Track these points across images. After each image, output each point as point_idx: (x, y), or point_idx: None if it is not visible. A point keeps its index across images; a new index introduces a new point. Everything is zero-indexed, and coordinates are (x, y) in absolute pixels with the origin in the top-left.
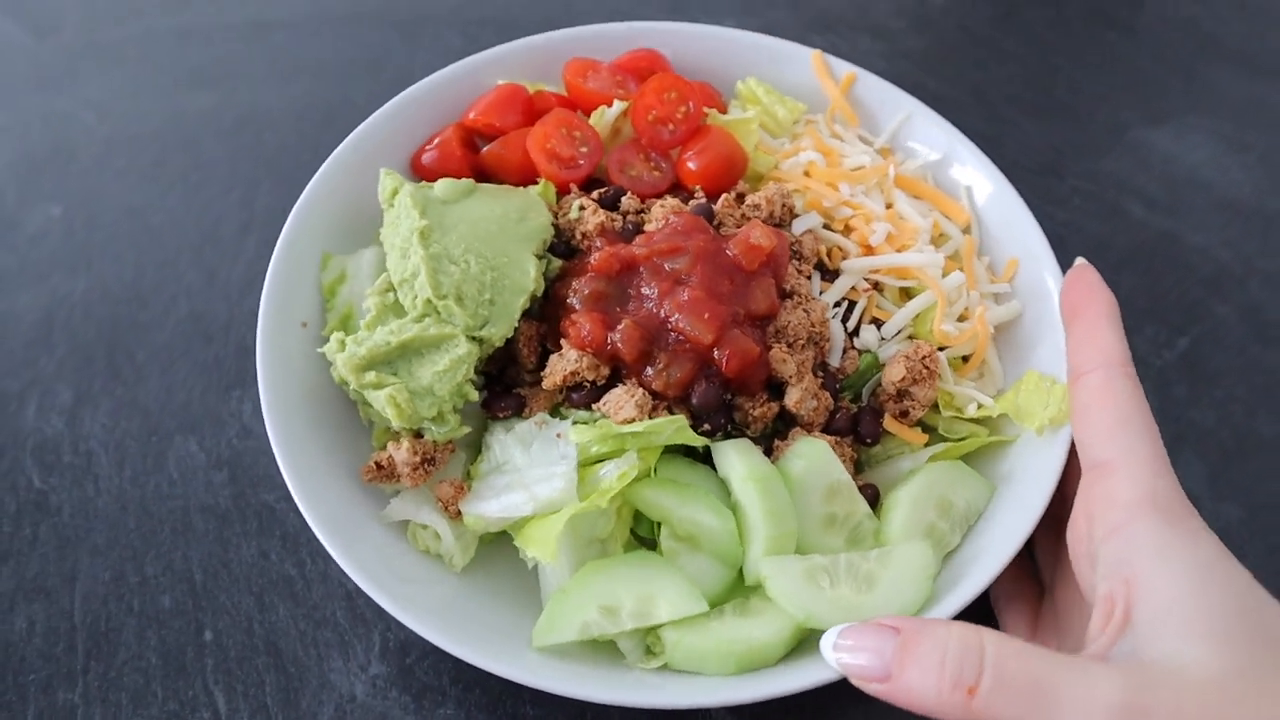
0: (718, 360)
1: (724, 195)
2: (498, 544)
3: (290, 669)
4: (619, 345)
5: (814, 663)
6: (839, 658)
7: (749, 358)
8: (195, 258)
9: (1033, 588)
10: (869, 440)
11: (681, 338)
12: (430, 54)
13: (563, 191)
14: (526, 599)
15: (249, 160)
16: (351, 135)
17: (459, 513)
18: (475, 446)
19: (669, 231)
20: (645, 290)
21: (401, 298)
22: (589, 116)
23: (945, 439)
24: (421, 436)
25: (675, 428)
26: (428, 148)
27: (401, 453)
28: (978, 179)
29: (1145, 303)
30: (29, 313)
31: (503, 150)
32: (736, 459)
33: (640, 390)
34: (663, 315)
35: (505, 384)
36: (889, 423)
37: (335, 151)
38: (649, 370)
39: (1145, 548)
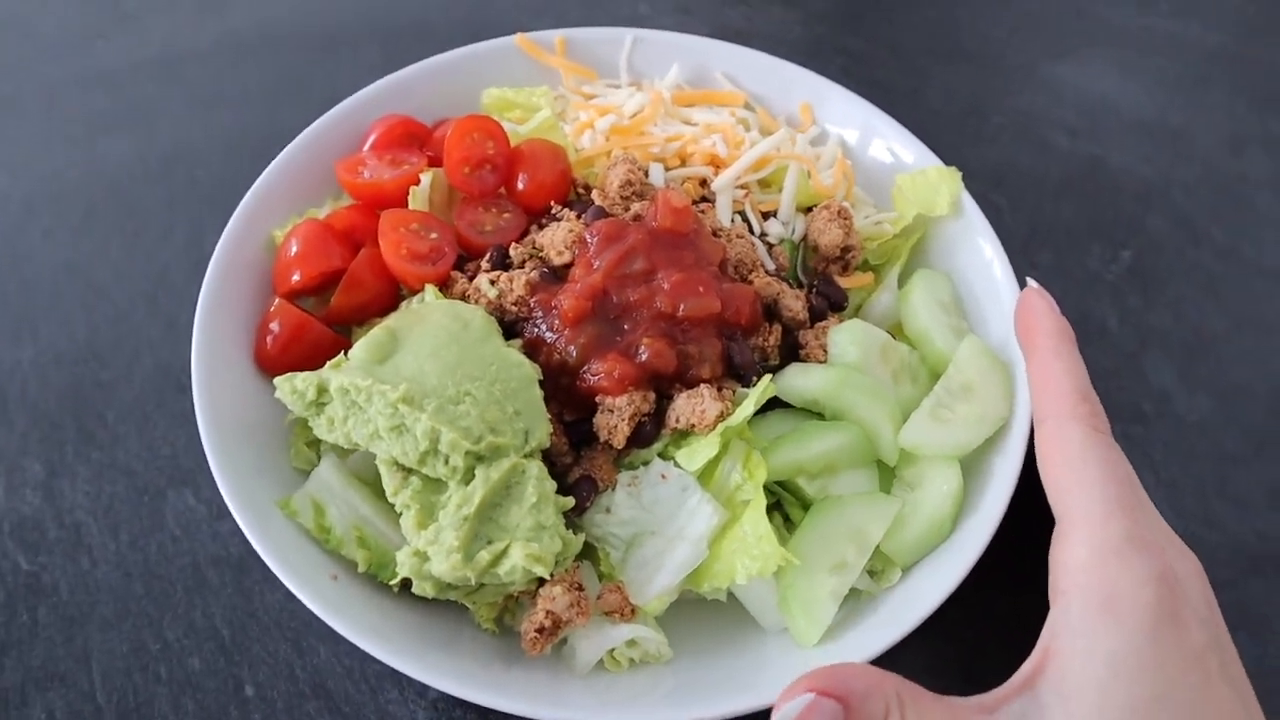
0: (731, 319)
1: (594, 191)
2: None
3: (344, 709)
4: (654, 364)
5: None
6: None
7: (751, 299)
8: (150, 308)
9: None
10: (844, 304)
11: (693, 321)
12: (352, 69)
13: (442, 286)
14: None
15: (186, 200)
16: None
17: (634, 610)
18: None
19: (600, 245)
20: (628, 305)
21: (431, 472)
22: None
23: (878, 265)
24: (551, 575)
25: (765, 389)
26: (268, 337)
27: (560, 600)
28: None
29: (1087, 224)
30: None
31: (350, 292)
32: (812, 380)
33: (704, 386)
34: (664, 312)
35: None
36: (845, 280)
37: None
38: (690, 369)
39: (1070, 627)
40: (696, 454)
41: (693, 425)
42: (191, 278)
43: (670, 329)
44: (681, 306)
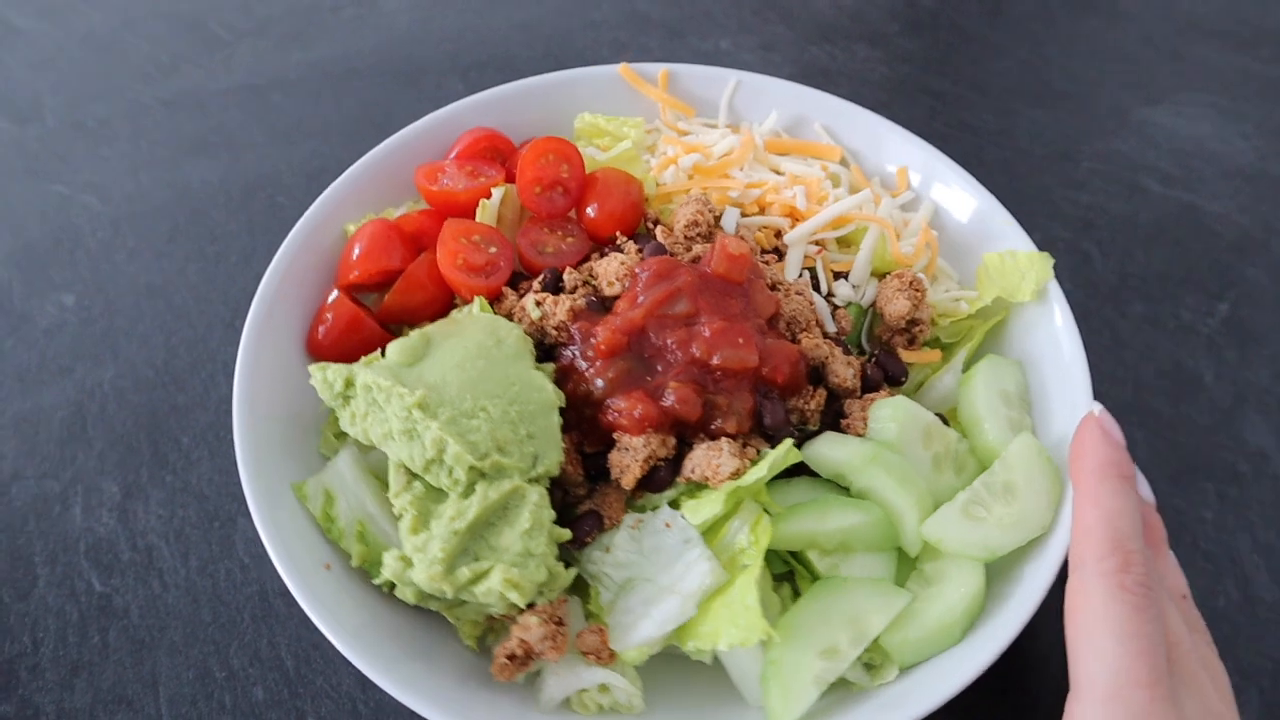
0: (769, 376)
1: (659, 227)
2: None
3: None
4: (678, 410)
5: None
6: None
7: (793, 359)
8: (227, 333)
9: None
10: (903, 379)
11: (727, 372)
12: (434, 103)
13: (492, 300)
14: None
15: (268, 227)
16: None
17: (612, 655)
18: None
19: (649, 282)
20: (665, 346)
21: (435, 480)
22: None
23: (949, 345)
24: (533, 604)
25: (785, 454)
26: (320, 326)
27: (535, 631)
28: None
29: (1181, 272)
30: (57, 409)
31: (404, 294)
32: (841, 452)
33: (725, 440)
34: (698, 358)
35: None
36: (908, 355)
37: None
38: (716, 420)
39: None
40: (701, 508)
41: (705, 479)
42: None
43: (702, 376)
44: (717, 356)
